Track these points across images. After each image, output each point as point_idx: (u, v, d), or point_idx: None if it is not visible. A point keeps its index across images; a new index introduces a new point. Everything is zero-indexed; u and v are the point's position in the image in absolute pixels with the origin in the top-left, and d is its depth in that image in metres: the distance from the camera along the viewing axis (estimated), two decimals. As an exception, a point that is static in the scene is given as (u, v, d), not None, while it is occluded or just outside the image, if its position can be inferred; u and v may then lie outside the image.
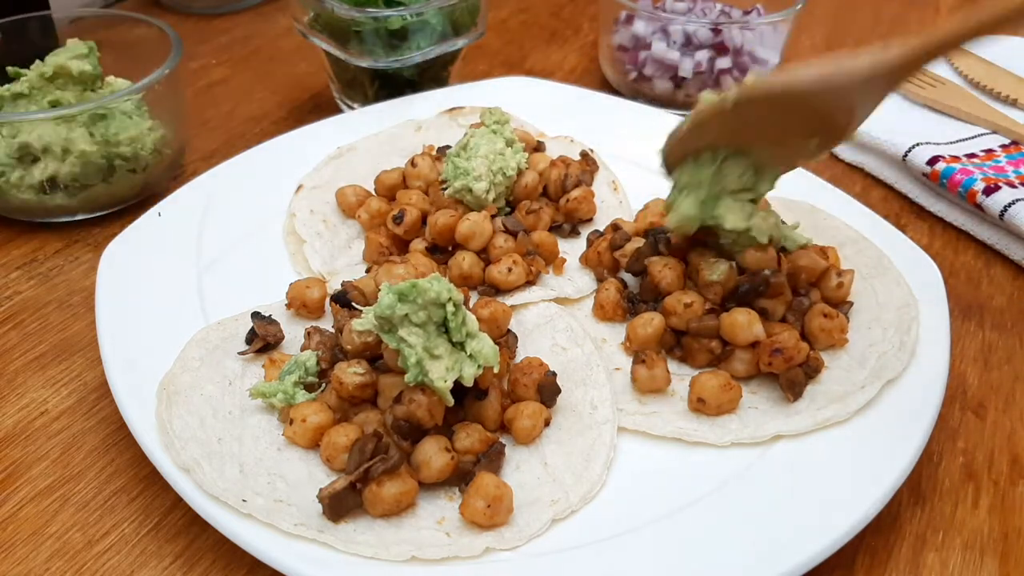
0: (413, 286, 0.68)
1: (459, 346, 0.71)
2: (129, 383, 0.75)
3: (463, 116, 1.12)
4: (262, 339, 0.80)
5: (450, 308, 0.69)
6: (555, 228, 0.98)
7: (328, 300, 0.84)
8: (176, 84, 1.08)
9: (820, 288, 0.84)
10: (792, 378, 0.76)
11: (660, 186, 1.02)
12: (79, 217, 1.05)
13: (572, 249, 0.96)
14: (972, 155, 1.11)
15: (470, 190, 0.92)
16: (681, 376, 0.81)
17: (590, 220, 0.99)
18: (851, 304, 0.85)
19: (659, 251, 0.87)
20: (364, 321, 0.72)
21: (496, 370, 0.73)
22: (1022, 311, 0.96)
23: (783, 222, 0.85)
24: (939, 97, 1.22)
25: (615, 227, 0.92)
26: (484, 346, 0.71)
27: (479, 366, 0.71)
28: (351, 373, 0.72)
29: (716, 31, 1.20)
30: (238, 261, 0.92)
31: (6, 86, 1.06)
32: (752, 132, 0.78)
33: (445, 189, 0.95)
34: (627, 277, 0.90)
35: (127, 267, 0.87)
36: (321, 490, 0.67)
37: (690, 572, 0.64)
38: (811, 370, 0.78)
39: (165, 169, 1.09)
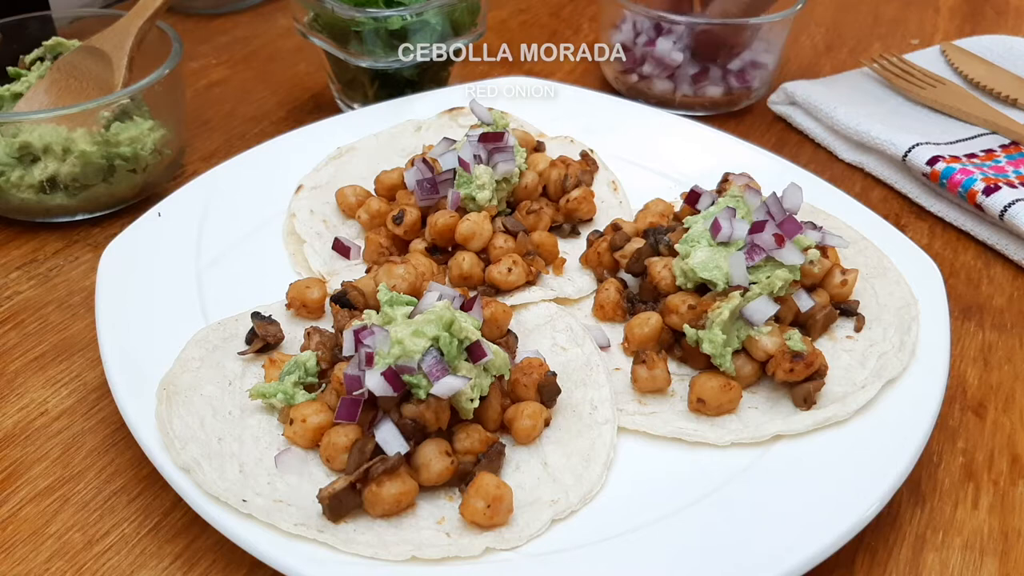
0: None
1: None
2: (129, 383, 0.75)
3: (463, 116, 1.12)
4: (262, 339, 0.80)
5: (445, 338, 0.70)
6: (555, 228, 0.98)
7: (328, 300, 0.84)
8: (176, 84, 1.08)
9: (825, 287, 0.85)
10: (805, 392, 0.76)
11: (660, 186, 1.02)
12: (79, 217, 1.05)
13: (572, 249, 0.96)
14: (972, 155, 1.11)
15: (473, 198, 0.92)
16: (681, 376, 0.81)
17: (590, 220, 0.99)
18: (859, 302, 0.85)
19: (659, 251, 0.87)
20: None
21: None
22: (1022, 311, 0.96)
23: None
24: (939, 97, 1.22)
25: (615, 227, 0.92)
26: (497, 357, 0.72)
27: (492, 376, 0.72)
28: (351, 373, 0.72)
29: (716, 31, 1.19)
30: (238, 261, 0.92)
31: (6, 86, 1.06)
32: None
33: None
34: (627, 277, 0.90)
35: (127, 267, 0.87)
36: (321, 490, 0.67)
37: (690, 572, 0.64)
38: (819, 376, 0.77)
39: (165, 169, 1.09)
